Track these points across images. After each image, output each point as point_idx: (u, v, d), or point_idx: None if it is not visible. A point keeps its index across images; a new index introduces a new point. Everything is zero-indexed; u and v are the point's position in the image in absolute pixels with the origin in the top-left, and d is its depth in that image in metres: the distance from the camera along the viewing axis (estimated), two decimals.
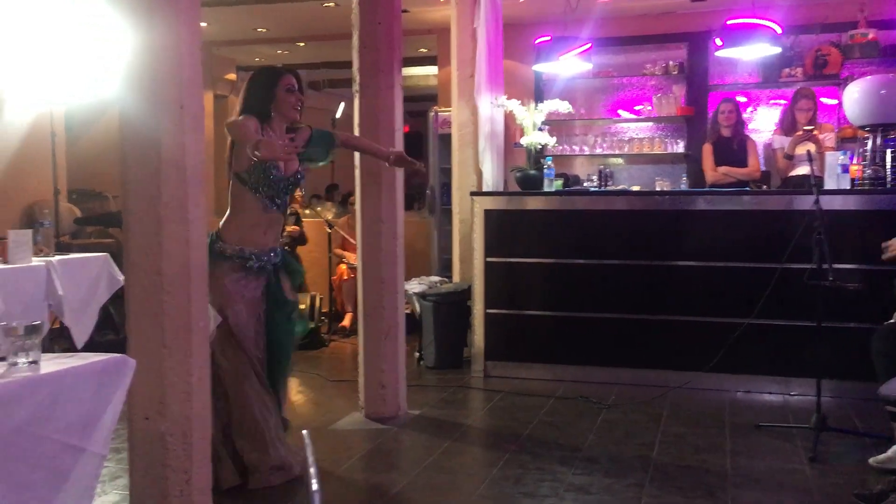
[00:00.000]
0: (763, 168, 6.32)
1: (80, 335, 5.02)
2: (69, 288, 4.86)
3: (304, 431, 1.37)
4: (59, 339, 5.73)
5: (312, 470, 1.20)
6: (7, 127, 6.35)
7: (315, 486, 1.19)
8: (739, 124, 6.20)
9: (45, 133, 6.24)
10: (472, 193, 5.82)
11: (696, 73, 7.07)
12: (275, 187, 3.60)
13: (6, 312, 4.28)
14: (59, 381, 2.02)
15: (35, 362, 2.08)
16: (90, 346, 5.17)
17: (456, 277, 6.37)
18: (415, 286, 6.03)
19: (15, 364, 2.06)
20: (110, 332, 6.19)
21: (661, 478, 3.62)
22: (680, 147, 7.14)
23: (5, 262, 4.56)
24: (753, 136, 6.52)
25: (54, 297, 4.77)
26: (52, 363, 2.10)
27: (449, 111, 6.74)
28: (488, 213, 5.58)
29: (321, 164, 4.03)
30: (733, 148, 6.11)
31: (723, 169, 6.08)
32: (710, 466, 3.77)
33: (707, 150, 6.19)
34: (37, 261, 4.73)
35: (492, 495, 3.48)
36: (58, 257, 4.91)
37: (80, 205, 7.60)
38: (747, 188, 5.77)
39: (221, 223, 3.63)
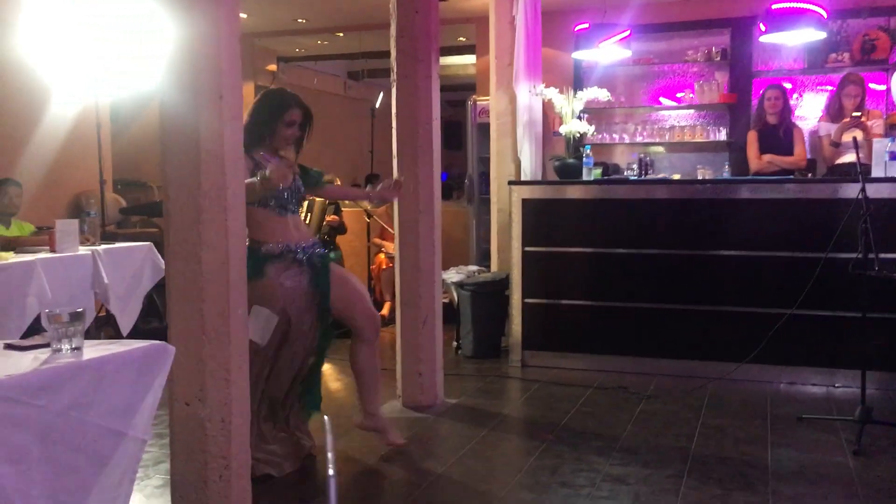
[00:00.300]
0: (809, 156, 6.20)
1: (126, 322, 5.14)
2: (114, 276, 4.98)
3: (325, 417, 1.38)
4: (104, 327, 5.86)
5: (330, 455, 1.22)
6: (54, 119, 6.50)
7: (331, 472, 1.20)
8: (786, 111, 6.07)
9: (91, 125, 6.38)
10: (510, 182, 5.80)
11: (739, 59, 6.94)
12: (281, 197, 3.63)
13: (53, 300, 4.40)
14: (100, 367, 2.07)
15: (78, 348, 2.13)
16: (135, 334, 5.29)
17: (494, 267, 6.37)
18: (453, 275, 6.04)
19: (59, 350, 2.12)
20: (155, 319, 6.31)
21: (700, 469, 3.59)
22: (722, 135, 7.02)
23: (53, 251, 4.68)
24: (799, 123, 6.39)
25: (100, 285, 4.88)
26: (94, 350, 2.15)
27: (487, 100, 6.72)
28: (526, 203, 5.56)
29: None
30: (779, 136, 5.99)
31: (768, 157, 5.97)
32: (750, 459, 3.72)
33: (752, 137, 6.08)
34: (83, 250, 4.85)
35: (528, 485, 3.48)
36: (103, 246, 5.02)
37: (125, 195, 7.76)
38: (791, 177, 5.66)
39: (250, 235, 3.60)
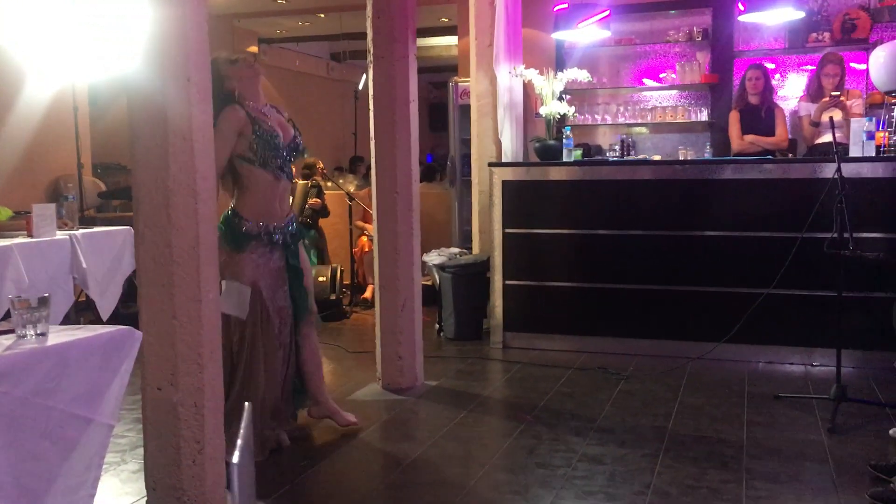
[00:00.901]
0: (790, 136, 6.20)
1: (105, 307, 5.10)
2: (93, 261, 4.94)
3: (247, 404, 1.38)
4: (84, 312, 5.83)
5: (240, 442, 1.21)
6: (29, 102, 6.43)
7: (235, 459, 1.20)
8: (768, 91, 6.06)
9: (68, 107, 6.31)
10: (491, 164, 5.79)
11: (720, 39, 6.92)
12: (281, 155, 3.67)
13: (31, 285, 4.36)
14: (65, 353, 2.06)
15: (43, 334, 2.12)
16: (116, 318, 5.25)
17: (476, 249, 6.37)
18: (434, 258, 6.03)
19: (23, 336, 2.10)
20: (135, 304, 6.27)
21: (676, 448, 3.61)
22: (704, 115, 7.01)
23: (30, 235, 4.64)
24: (781, 103, 6.38)
25: (79, 270, 4.85)
26: (59, 335, 2.14)
27: (468, 81, 6.69)
28: (506, 184, 5.55)
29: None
30: (761, 116, 5.99)
31: (749, 138, 5.97)
32: (726, 437, 3.75)
33: (734, 117, 6.07)
34: (61, 234, 4.81)
35: (505, 465, 3.50)
36: (82, 231, 4.98)
37: (105, 179, 7.70)
38: (771, 157, 5.66)
39: (234, 202, 3.67)
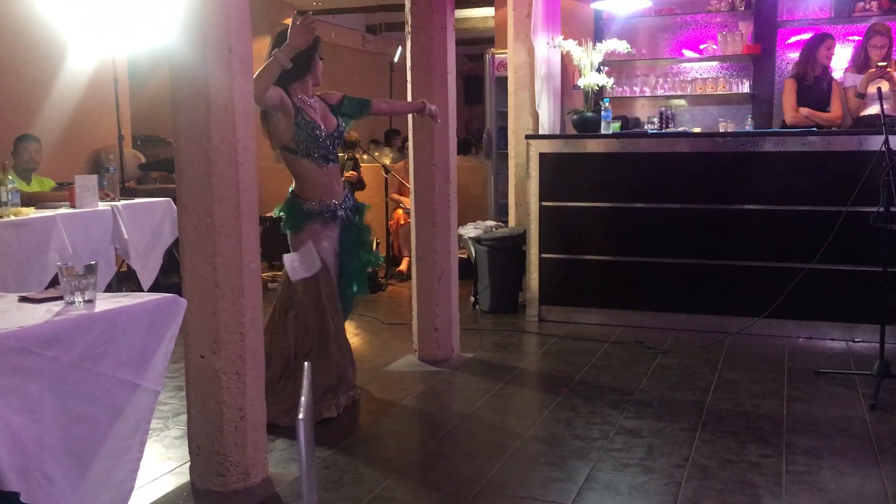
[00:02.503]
0: None
1: (146, 277, 5.20)
2: (134, 231, 5.02)
3: (306, 364, 1.40)
4: (126, 282, 5.93)
5: (303, 399, 1.23)
6: (71, 75, 6.50)
7: (301, 416, 1.22)
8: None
9: (109, 80, 6.38)
10: (528, 137, 5.74)
11: (763, 8, 6.75)
12: (323, 145, 3.76)
13: (74, 255, 4.45)
14: (112, 320, 2.09)
15: (90, 301, 2.16)
16: (156, 288, 5.34)
17: (512, 222, 6.35)
18: (470, 231, 6.03)
19: (72, 303, 2.14)
20: (175, 274, 6.33)
21: (715, 423, 3.59)
22: (745, 87, 6.87)
23: (73, 206, 4.72)
24: None
25: (120, 240, 4.94)
26: (106, 302, 2.18)
27: (505, 53, 6.63)
28: (543, 157, 5.51)
29: (351, 121, 4.15)
30: (821, 88, 5.81)
31: (805, 111, 5.79)
32: (765, 412, 3.72)
33: (790, 86, 5.86)
34: (103, 205, 4.89)
35: (542, 437, 3.50)
36: (123, 202, 5.06)
37: (144, 150, 7.79)
38: (814, 129, 5.54)
39: (293, 186, 3.82)
